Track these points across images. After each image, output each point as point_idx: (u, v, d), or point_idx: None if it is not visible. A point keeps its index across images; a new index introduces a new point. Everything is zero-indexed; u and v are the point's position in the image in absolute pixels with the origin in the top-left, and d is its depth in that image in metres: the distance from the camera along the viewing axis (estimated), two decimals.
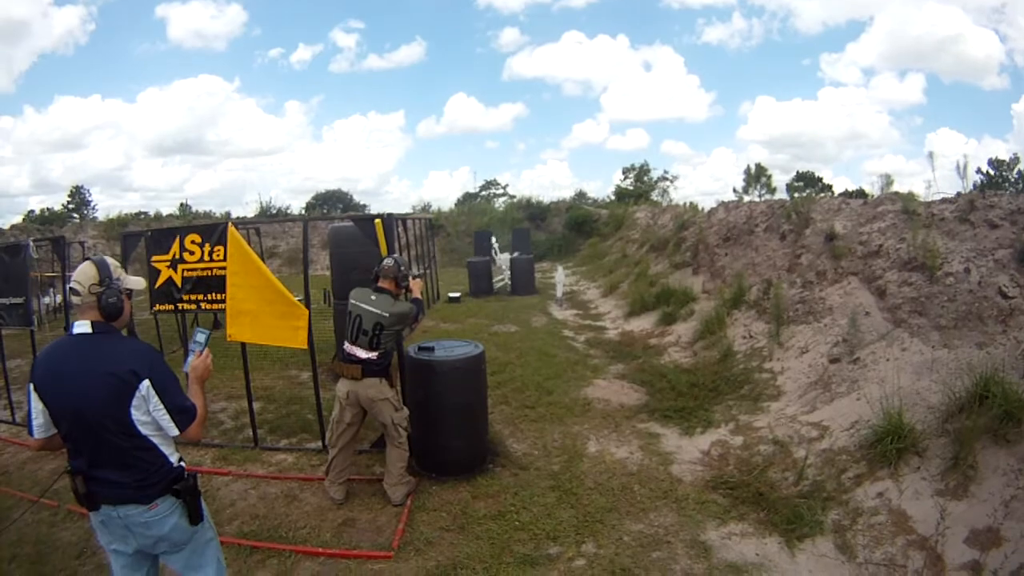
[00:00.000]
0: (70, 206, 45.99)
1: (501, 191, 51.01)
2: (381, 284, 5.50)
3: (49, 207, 44.01)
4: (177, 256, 6.97)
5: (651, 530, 5.02)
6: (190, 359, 3.42)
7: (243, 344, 6.82)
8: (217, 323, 11.89)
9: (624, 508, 5.38)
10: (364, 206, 46.91)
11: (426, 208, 35.87)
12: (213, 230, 6.86)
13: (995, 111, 74.46)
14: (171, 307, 7.20)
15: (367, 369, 5.33)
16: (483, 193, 51.12)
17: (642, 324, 12.17)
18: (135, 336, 6.42)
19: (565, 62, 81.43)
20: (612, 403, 7.91)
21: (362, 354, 5.33)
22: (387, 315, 5.30)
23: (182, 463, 3.16)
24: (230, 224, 6.56)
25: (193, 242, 6.89)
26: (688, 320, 10.87)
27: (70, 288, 3.02)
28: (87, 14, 71.03)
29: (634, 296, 13.70)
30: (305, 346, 6.34)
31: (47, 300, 15.27)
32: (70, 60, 72.58)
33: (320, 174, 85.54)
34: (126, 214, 33.28)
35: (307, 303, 6.40)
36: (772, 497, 5.25)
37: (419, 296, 5.85)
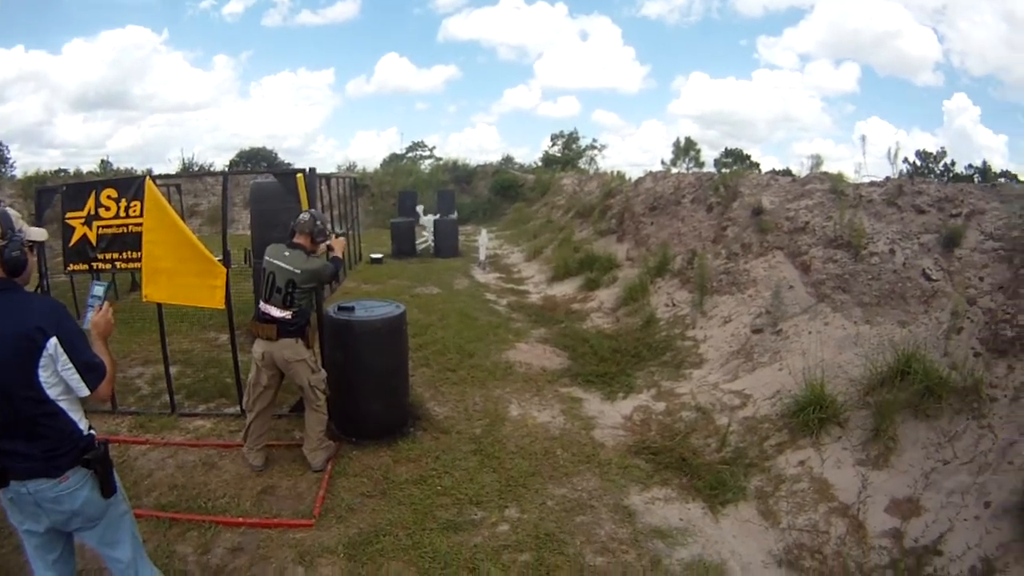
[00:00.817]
0: None
1: (428, 153, 50.19)
2: (296, 240, 5.19)
3: None
4: (92, 212, 6.53)
5: (575, 494, 4.98)
6: (89, 315, 3.20)
7: (159, 305, 6.50)
8: (136, 285, 11.46)
9: (547, 472, 5.32)
10: (289, 164, 44.59)
11: (351, 168, 34.96)
12: (130, 184, 6.45)
13: (927, 106, 78.27)
14: (86, 267, 6.70)
15: (282, 329, 5.07)
16: (410, 155, 50.00)
17: (565, 289, 12.14)
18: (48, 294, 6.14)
19: (502, 26, 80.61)
20: (534, 367, 7.85)
21: (276, 313, 5.06)
22: (299, 271, 5.02)
23: (92, 431, 2.95)
24: (147, 178, 6.24)
25: (109, 197, 6.46)
26: (611, 287, 10.88)
27: None
28: None
29: (558, 261, 13.68)
30: (223, 306, 6.06)
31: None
32: None
33: (246, 131, 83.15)
34: (45, 171, 31.05)
35: (226, 262, 6.11)
36: (695, 463, 5.26)
37: (340, 255, 5.52)
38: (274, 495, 5.07)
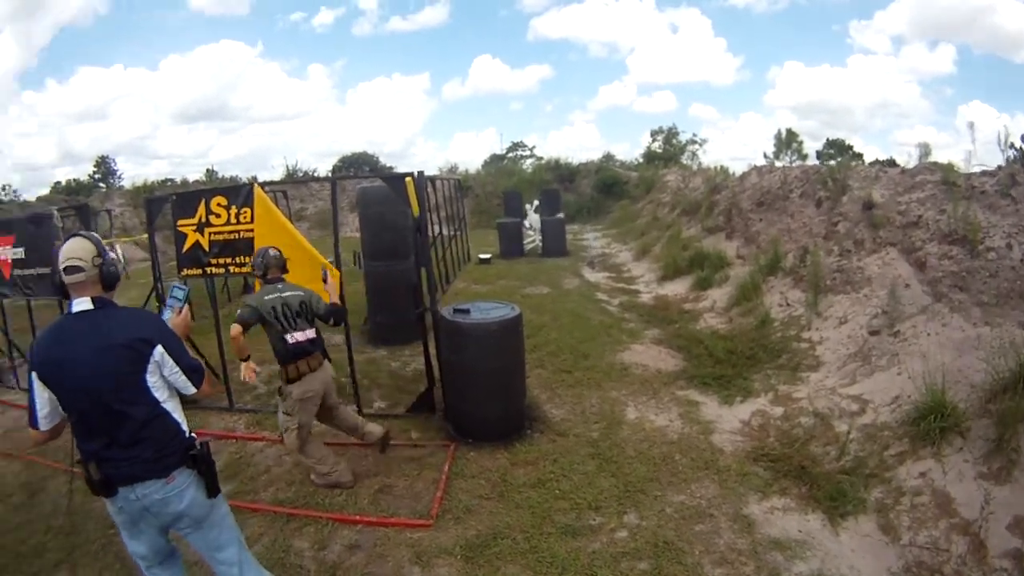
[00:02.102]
0: (96, 176, 45.77)
1: (528, 153, 49.96)
2: (274, 275, 5.25)
3: (76, 178, 43.79)
4: (203, 220, 6.88)
5: (693, 502, 4.97)
6: (168, 315, 3.41)
7: None
8: (248, 287, 12.00)
9: (666, 478, 5.33)
10: (391, 168, 45.76)
11: (453, 169, 35.22)
12: (239, 192, 6.75)
13: None
14: (199, 271, 7.05)
15: (322, 351, 5.24)
16: (510, 155, 50.18)
17: (676, 288, 12.01)
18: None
19: (590, 23, 79.13)
20: (650, 368, 7.83)
21: (308, 334, 5.09)
22: (303, 294, 5.15)
23: (193, 433, 3.13)
24: (256, 185, 6.54)
25: (219, 205, 6.79)
26: (723, 285, 10.71)
27: (71, 266, 2.88)
28: None
29: (667, 260, 13.50)
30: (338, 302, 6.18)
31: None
32: (90, 31, 72.78)
33: (346, 137, 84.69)
34: (152, 181, 33.10)
35: (338, 265, 6.31)
36: (814, 472, 5.16)
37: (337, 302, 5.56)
38: (391, 494, 5.24)
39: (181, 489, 3.01)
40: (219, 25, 78.11)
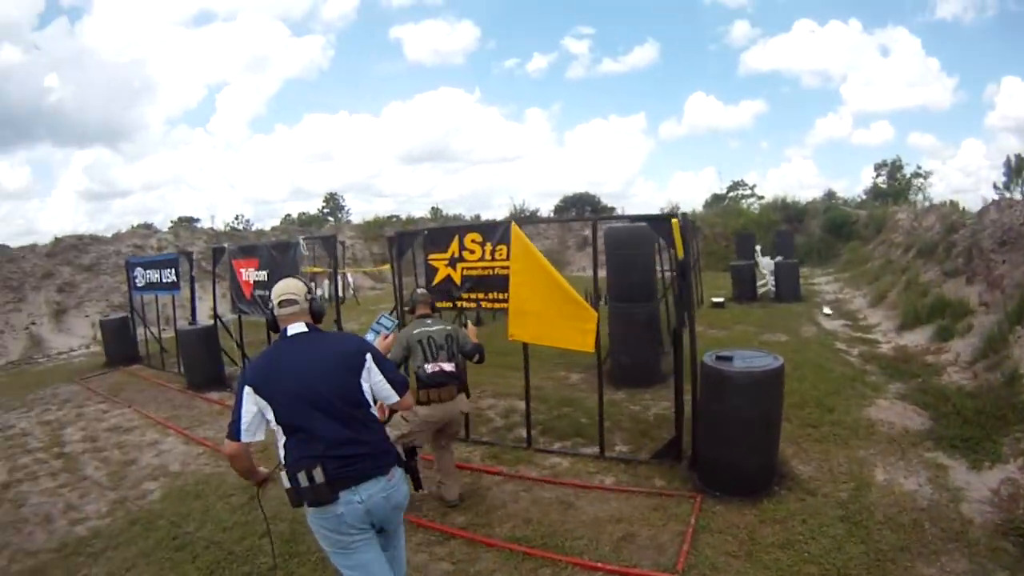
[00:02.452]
0: (325, 210, 49.12)
1: (749, 192, 48.89)
2: (423, 312, 5.80)
3: (305, 211, 47.33)
4: (456, 255, 7.01)
5: None
6: (375, 339, 3.96)
7: (525, 345, 6.83)
8: (479, 321, 12.35)
9: (916, 548, 4.86)
10: (612, 208, 45.81)
11: (675, 210, 34.68)
12: (495, 229, 6.85)
13: None
14: (449, 304, 7.20)
15: (460, 384, 5.58)
16: (731, 194, 49.16)
17: (916, 338, 11.13)
18: None
19: (800, 52, 75.85)
20: (896, 427, 7.26)
21: (448, 367, 5.43)
22: (451, 329, 5.63)
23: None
24: (514, 223, 6.52)
25: (474, 241, 6.90)
26: (966, 336, 9.79)
27: (287, 299, 3.35)
28: (325, 42, 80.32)
29: (905, 307, 12.62)
30: (592, 349, 6.17)
31: (319, 292, 16.40)
32: (315, 82, 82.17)
33: (565, 178, 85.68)
34: (380, 217, 35.60)
35: (595, 304, 6.30)
36: None
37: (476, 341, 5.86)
38: (634, 543, 5.03)
39: (398, 483, 3.27)
40: (437, 74, 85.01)
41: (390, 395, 3.39)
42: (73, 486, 7.04)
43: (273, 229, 32.16)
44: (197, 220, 29.92)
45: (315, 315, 3.42)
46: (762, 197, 39.75)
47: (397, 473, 3.26)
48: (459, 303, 7.20)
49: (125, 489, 6.87)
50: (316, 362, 3.19)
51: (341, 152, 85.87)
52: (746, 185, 49.88)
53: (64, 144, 78.31)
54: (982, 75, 78.47)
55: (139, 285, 13.72)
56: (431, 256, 7.22)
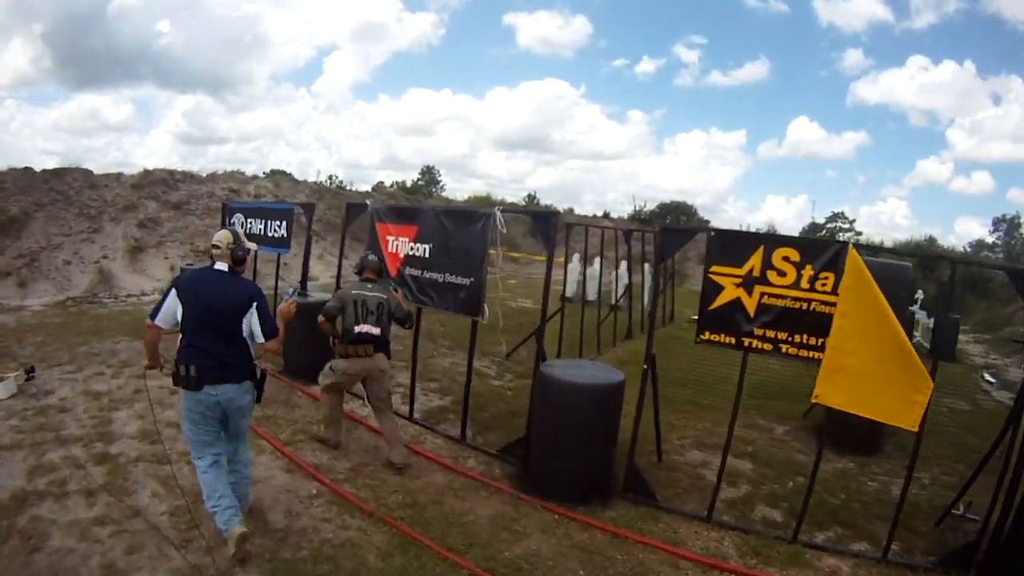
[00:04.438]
0: (420, 182, 46.84)
1: (847, 225, 45.00)
2: (370, 275, 6.25)
3: (398, 180, 45.21)
4: (756, 273, 5.14)
5: None
6: (280, 305, 4.94)
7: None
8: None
9: None
10: (706, 221, 43.20)
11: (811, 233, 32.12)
12: (822, 249, 5.01)
13: None
14: (731, 339, 5.29)
15: (377, 344, 5.99)
16: (829, 225, 45.07)
17: None
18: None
19: (910, 89, 70.58)
20: None
21: (374, 330, 5.96)
22: (386, 298, 6.08)
23: (256, 362, 4.48)
24: (851, 247, 4.73)
25: (786, 259, 5.04)
26: None
27: (214, 246, 4.40)
28: (438, 20, 76.16)
29: None
30: (916, 427, 4.46)
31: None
32: (422, 58, 77.51)
33: (659, 183, 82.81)
34: (471, 196, 34.78)
35: None
36: None
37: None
38: None
39: (245, 391, 4.41)
40: (545, 64, 79.45)
41: (258, 335, 4.33)
42: (118, 525, 4.61)
43: (365, 193, 30.25)
44: (288, 175, 27.49)
45: (234, 260, 4.39)
46: (860, 232, 38.33)
47: (247, 385, 4.40)
48: (749, 341, 5.24)
49: (197, 552, 4.34)
50: (219, 293, 4.24)
51: (439, 128, 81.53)
52: (845, 218, 45.72)
53: (168, 87, 76.47)
54: None
55: None
56: (716, 269, 5.33)
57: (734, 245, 5.31)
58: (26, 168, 16.98)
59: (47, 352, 8.98)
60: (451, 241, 6.66)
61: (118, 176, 18.69)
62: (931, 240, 37.47)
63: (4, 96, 68.40)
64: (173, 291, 4.21)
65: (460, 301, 6.54)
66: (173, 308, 4.19)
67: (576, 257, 15.69)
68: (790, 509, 5.68)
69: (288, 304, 4.76)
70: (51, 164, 18.24)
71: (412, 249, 7.11)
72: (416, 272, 7.01)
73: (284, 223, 9.61)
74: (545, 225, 6.30)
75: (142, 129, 75.84)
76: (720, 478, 5.54)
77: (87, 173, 18.09)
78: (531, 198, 38.78)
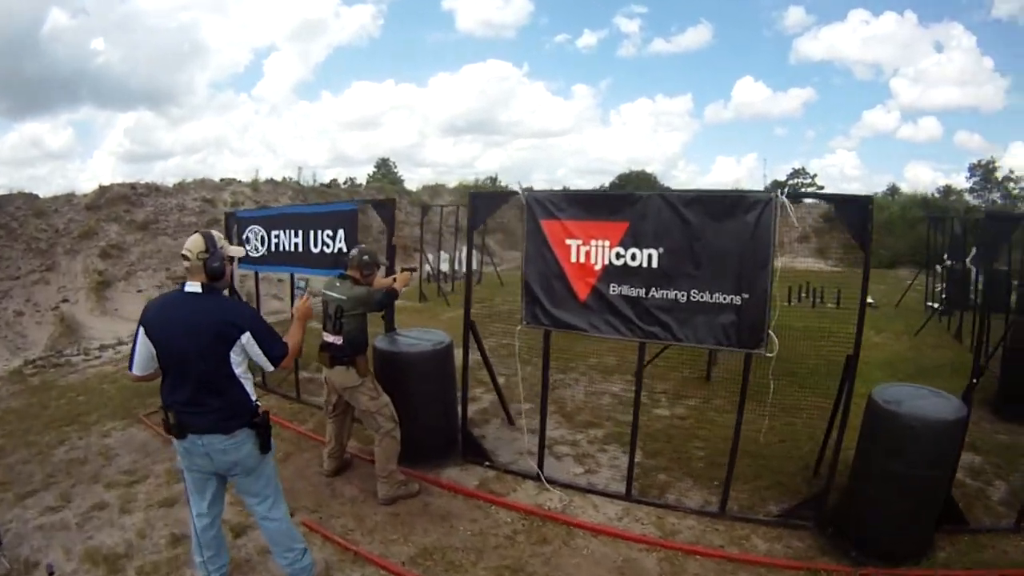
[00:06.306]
0: (375, 177, 44.57)
1: (810, 180, 45.42)
2: (348, 272, 5.20)
3: (353, 177, 43.01)
4: None
5: None
6: (296, 302, 4.05)
7: None
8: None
9: None
10: (665, 187, 41.53)
11: (770, 190, 29.44)
12: None
13: None
14: None
15: (334, 356, 4.96)
16: (790, 182, 44.94)
17: None
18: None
19: (852, 43, 70.33)
20: None
21: (330, 338, 4.98)
22: (344, 298, 4.96)
23: (258, 403, 3.44)
24: None
25: None
26: None
27: (181, 255, 3.34)
28: (377, 11, 74.87)
29: None
30: None
31: None
32: (363, 51, 76.86)
33: (609, 156, 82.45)
34: (427, 185, 31.83)
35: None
36: None
37: (398, 288, 5.28)
38: None
39: (240, 443, 3.34)
40: (487, 46, 79.90)
41: (265, 364, 3.40)
42: None
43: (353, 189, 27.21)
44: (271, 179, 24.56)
45: (209, 274, 3.31)
46: (822, 187, 39.20)
47: (241, 435, 3.32)
48: None
49: None
50: (194, 327, 3.20)
51: (385, 120, 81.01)
52: (806, 173, 46.34)
53: (108, 106, 73.63)
54: None
55: (255, 255, 7.57)
56: None
57: None
58: None
59: (8, 468, 5.64)
60: (701, 241, 4.49)
61: (69, 198, 14.88)
62: (894, 189, 36.86)
63: None
64: (141, 330, 3.28)
65: (724, 328, 4.49)
66: (147, 352, 3.28)
67: None
68: None
69: (304, 301, 3.93)
70: None
71: (621, 256, 4.72)
72: (633, 291, 4.69)
73: (342, 232, 6.37)
74: (856, 214, 4.26)
75: (84, 153, 72.81)
76: None
77: (31, 198, 14.23)
78: (493, 181, 36.28)
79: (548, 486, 5.22)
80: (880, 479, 4.15)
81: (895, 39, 64.17)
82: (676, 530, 4.60)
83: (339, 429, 5.40)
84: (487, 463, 5.62)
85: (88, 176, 76.46)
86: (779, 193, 4.22)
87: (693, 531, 4.58)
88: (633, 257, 4.63)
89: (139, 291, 12.95)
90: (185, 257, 3.29)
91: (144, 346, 3.27)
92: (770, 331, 4.36)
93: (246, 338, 3.28)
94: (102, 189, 15.26)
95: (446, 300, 14.42)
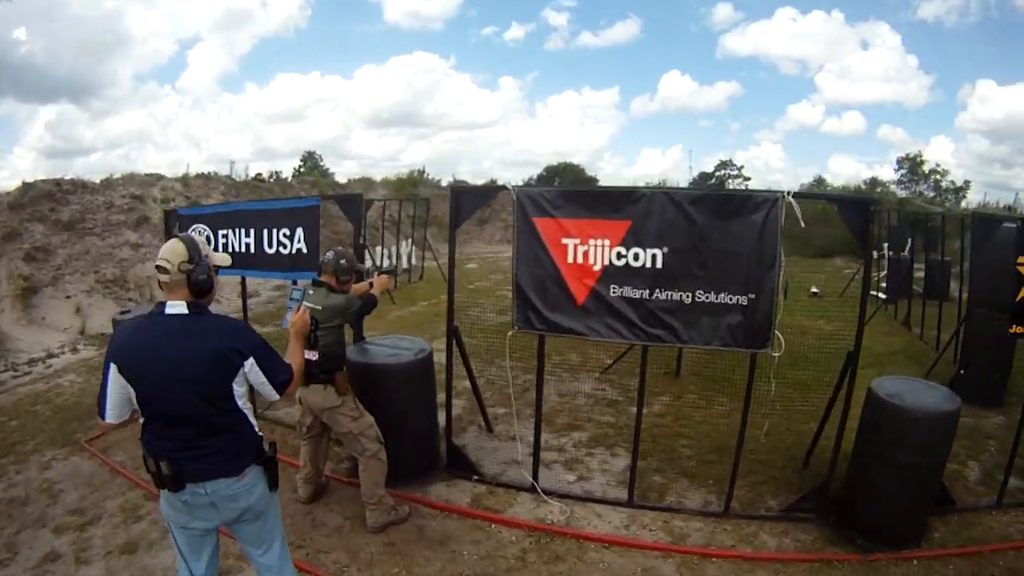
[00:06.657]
0: (301, 170, 43.29)
1: (736, 172, 45.44)
2: (321, 279, 4.66)
3: (278, 171, 42.05)
4: None
5: None
6: (288, 316, 3.57)
7: None
8: None
9: None
10: (595, 179, 42.12)
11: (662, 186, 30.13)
12: None
13: None
14: None
15: (310, 373, 4.29)
16: (717, 173, 45.38)
17: None
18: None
19: (779, 39, 72.77)
20: None
21: (309, 354, 4.12)
22: (319, 308, 4.41)
23: (261, 433, 2.96)
24: None
25: None
26: None
27: (157, 266, 2.74)
28: (304, 1, 73.16)
29: None
30: None
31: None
32: (289, 42, 74.60)
33: (534, 147, 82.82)
34: (352, 179, 31.97)
35: None
36: None
37: (377, 293, 4.86)
38: None
39: (251, 485, 2.86)
40: (414, 38, 78.35)
41: (270, 394, 2.91)
42: None
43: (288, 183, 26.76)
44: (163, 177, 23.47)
45: (194, 289, 2.74)
46: (749, 178, 39.68)
47: (250, 474, 2.83)
48: None
49: None
50: (186, 358, 2.62)
51: (310, 112, 78.98)
52: (733, 165, 46.49)
53: (29, 99, 70.75)
54: (958, 76, 74.18)
55: None
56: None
57: None
58: None
59: None
60: (707, 241, 4.46)
61: None
62: (820, 181, 38.31)
63: None
64: (112, 368, 2.66)
65: (730, 329, 4.46)
66: (123, 394, 2.69)
67: None
68: None
69: (301, 315, 3.38)
70: None
71: (622, 256, 4.59)
72: (636, 292, 4.58)
73: (301, 230, 5.92)
74: (857, 214, 4.49)
75: (3, 148, 69.68)
76: None
77: None
78: (421, 173, 35.55)
79: (546, 498, 5.03)
80: (883, 468, 4.37)
81: (822, 36, 66.25)
82: (685, 533, 4.62)
83: (314, 452, 5.00)
84: (475, 477, 5.37)
85: (7, 174, 71.66)
86: (786, 193, 4.22)
87: (702, 533, 4.61)
88: (635, 257, 4.49)
89: (68, 297, 12.14)
90: (163, 269, 2.71)
91: (118, 386, 2.69)
92: (775, 330, 4.39)
93: (249, 365, 2.77)
94: (26, 186, 14.19)
95: (391, 298, 14.05)
